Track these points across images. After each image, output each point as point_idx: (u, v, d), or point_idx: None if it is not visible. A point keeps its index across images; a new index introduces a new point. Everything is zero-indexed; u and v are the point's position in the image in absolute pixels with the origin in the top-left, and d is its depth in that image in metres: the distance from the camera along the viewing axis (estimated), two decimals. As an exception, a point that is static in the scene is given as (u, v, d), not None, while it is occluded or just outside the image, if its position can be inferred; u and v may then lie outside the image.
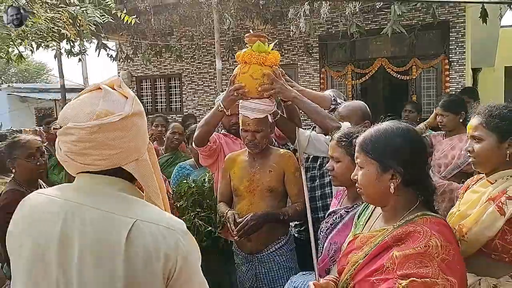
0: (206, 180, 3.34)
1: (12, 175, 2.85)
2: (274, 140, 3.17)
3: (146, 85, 10.07)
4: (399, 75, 7.39)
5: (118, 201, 1.15)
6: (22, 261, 1.15)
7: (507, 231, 1.72)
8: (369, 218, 1.68)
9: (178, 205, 3.08)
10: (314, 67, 8.22)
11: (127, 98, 1.19)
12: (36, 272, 1.12)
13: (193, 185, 3.19)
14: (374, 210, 1.67)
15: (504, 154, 1.83)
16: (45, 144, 5.47)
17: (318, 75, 8.17)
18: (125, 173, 1.18)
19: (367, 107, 2.88)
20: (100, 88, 1.18)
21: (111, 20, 4.53)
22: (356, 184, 1.55)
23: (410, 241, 1.34)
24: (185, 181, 3.33)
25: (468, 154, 1.96)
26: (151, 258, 1.08)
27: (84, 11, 3.88)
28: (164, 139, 4.78)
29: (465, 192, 2.06)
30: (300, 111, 2.79)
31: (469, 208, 1.90)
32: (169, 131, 4.65)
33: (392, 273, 1.32)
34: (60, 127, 1.14)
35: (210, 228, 2.92)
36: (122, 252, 1.07)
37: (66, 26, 3.91)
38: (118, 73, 10.11)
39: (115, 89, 1.20)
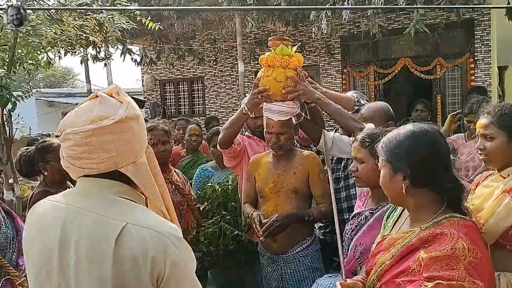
0: (230, 181, 3.38)
1: (38, 179, 2.95)
2: (296, 142, 3.19)
3: (170, 88, 10.20)
4: (422, 75, 7.29)
5: (112, 205, 1.18)
6: (31, 265, 1.21)
7: None
8: (397, 220, 1.68)
9: (201, 208, 3.11)
10: (336, 68, 8.18)
11: (122, 103, 1.21)
12: (42, 275, 1.17)
13: (217, 187, 3.23)
14: (402, 211, 1.68)
15: None
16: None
17: (340, 76, 8.13)
18: (124, 176, 1.20)
19: (390, 108, 2.88)
20: (98, 96, 1.22)
21: (136, 26, 4.63)
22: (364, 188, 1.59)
23: (437, 243, 1.33)
24: (209, 183, 3.36)
25: (479, 152, 2.01)
26: (138, 263, 1.10)
27: (111, 19, 3.99)
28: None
29: (476, 187, 2.09)
30: (323, 112, 2.81)
31: (483, 201, 1.94)
32: (186, 134, 4.71)
33: (418, 275, 1.32)
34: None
35: (236, 232, 2.94)
36: (111, 256, 1.09)
37: (93, 33, 4.03)
38: (142, 77, 10.27)
39: (113, 96, 1.23)
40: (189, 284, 1.20)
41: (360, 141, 2.12)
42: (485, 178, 2.09)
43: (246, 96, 2.97)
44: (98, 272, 1.10)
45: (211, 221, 2.99)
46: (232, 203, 3.16)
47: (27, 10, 2.98)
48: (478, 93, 5.23)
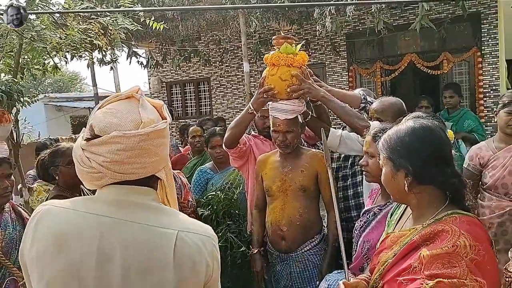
0: (230, 184, 3.36)
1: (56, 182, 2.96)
2: (303, 141, 3.18)
3: (176, 90, 10.24)
4: (429, 70, 7.23)
5: (155, 213, 1.14)
6: (48, 282, 1.08)
7: None
8: (400, 217, 1.67)
9: (203, 215, 3.09)
10: (342, 66, 8.15)
11: (154, 106, 1.19)
12: None
13: (220, 194, 3.20)
14: (406, 209, 1.66)
15: None
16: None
17: (347, 73, 8.10)
18: (150, 182, 1.17)
19: (404, 104, 2.85)
20: (130, 97, 1.18)
21: (140, 28, 4.64)
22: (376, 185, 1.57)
23: (438, 241, 1.31)
24: (210, 187, 3.33)
25: None
26: (196, 268, 1.11)
27: (115, 21, 4.00)
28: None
29: None
30: (330, 110, 2.80)
31: None
32: (189, 136, 4.71)
33: (419, 273, 1.30)
34: (94, 136, 1.11)
35: (243, 249, 2.92)
36: (171, 265, 1.08)
37: (97, 36, 4.05)
38: (149, 79, 10.32)
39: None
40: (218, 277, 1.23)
41: (373, 135, 2.11)
42: None
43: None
44: (157, 282, 1.07)
45: (218, 233, 2.96)
46: (236, 211, 3.15)
47: (30, 15, 2.98)
48: (453, 90, 5.19)
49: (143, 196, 1.15)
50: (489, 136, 6.17)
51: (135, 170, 1.11)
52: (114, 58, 6.14)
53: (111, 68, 8.42)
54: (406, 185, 1.42)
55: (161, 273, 1.08)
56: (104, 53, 5.48)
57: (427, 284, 1.25)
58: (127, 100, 1.17)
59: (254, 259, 2.78)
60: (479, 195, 3.08)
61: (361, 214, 2.28)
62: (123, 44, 5.41)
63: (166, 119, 1.18)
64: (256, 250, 2.77)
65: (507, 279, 1.93)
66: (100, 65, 7.22)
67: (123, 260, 1.07)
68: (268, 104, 2.67)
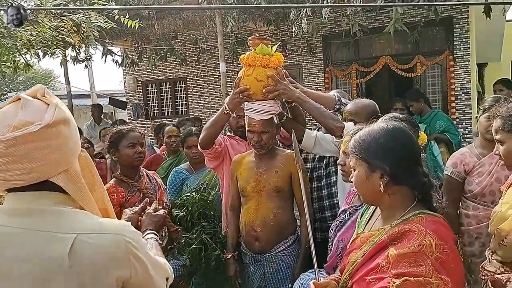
0: (205, 185, 3.34)
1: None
2: (279, 141, 3.19)
3: (152, 89, 10.12)
4: (403, 73, 7.36)
5: (55, 218, 1.08)
6: None
7: None
8: (370, 218, 1.69)
9: (178, 216, 3.07)
10: (319, 67, 8.21)
11: (48, 105, 1.10)
12: None
13: (195, 195, 3.17)
14: (375, 209, 1.68)
15: None
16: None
17: (323, 75, 8.16)
18: (54, 186, 1.10)
19: (377, 106, 2.88)
20: (20, 98, 1.10)
21: (115, 26, 4.57)
22: (353, 185, 1.57)
23: (406, 240, 1.34)
24: (185, 188, 3.29)
25: (499, 158, 1.98)
26: (100, 269, 1.06)
27: (88, 19, 3.93)
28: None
29: (507, 189, 2.04)
30: (305, 111, 2.81)
31: (509, 209, 1.89)
32: (165, 136, 4.67)
33: (387, 272, 1.32)
34: None
35: (218, 252, 2.89)
36: (68, 271, 1.03)
37: (70, 34, 3.96)
38: (124, 78, 10.18)
39: (38, 98, 1.12)
40: (150, 262, 1.19)
41: (351, 136, 2.13)
42: None
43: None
44: None
45: (193, 234, 2.94)
46: (211, 212, 3.13)
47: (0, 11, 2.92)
48: (409, 99, 5.37)
49: (40, 201, 1.09)
50: (465, 137, 6.32)
51: (17, 177, 1.04)
52: (88, 56, 6.03)
53: (86, 66, 8.28)
54: (382, 185, 1.43)
55: (59, 281, 1.03)
56: (78, 51, 5.38)
57: (394, 283, 1.28)
58: (16, 102, 1.10)
59: (228, 263, 2.77)
60: (460, 203, 2.87)
61: (338, 214, 2.30)
62: (97, 42, 5.32)
63: (51, 121, 1.07)
64: (230, 255, 2.77)
65: (483, 277, 1.98)
66: (74, 63, 7.08)
67: (20, 274, 1.03)
68: (244, 105, 2.67)
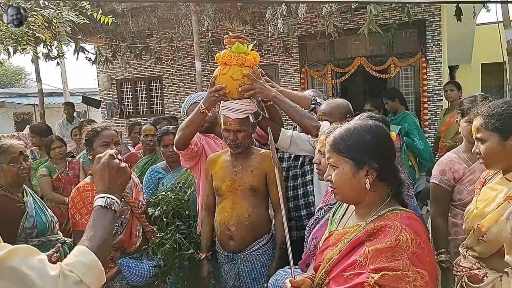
0: (183, 188, 3.31)
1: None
2: (255, 140, 3.18)
3: (127, 88, 9.98)
4: (378, 74, 7.47)
5: None
6: None
7: None
8: (343, 215, 1.70)
9: (153, 215, 3.02)
10: (295, 67, 8.25)
11: None
12: None
13: (171, 195, 3.13)
14: (348, 207, 1.70)
15: (510, 151, 1.85)
16: (32, 148, 5.43)
17: (299, 75, 8.21)
18: None
19: (350, 104, 2.91)
20: None
21: (87, 22, 4.48)
22: (330, 184, 1.56)
23: (382, 236, 1.37)
24: (163, 192, 3.27)
25: (477, 156, 1.98)
26: None
27: (59, 14, 3.83)
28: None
29: (481, 187, 2.06)
30: (281, 111, 2.82)
31: (486, 206, 1.91)
32: (141, 135, 4.62)
33: (365, 268, 1.35)
34: None
35: (192, 251, 2.84)
36: None
37: (41, 29, 3.85)
38: (98, 76, 10.00)
39: None
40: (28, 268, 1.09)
41: (327, 135, 2.14)
42: (493, 176, 2.05)
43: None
44: None
45: (167, 234, 2.89)
46: (186, 212, 3.10)
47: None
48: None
49: None
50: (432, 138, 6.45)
51: None
52: (61, 53, 5.88)
53: (58, 64, 8.09)
54: (368, 182, 1.45)
55: None
56: (49, 48, 5.25)
57: (372, 277, 1.30)
58: None
59: (201, 264, 2.75)
60: (449, 212, 2.64)
61: (315, 212, 2.32)
62: (69, 39, 5.20)
63: None
64: (204, 256, 2.75)
65: (458, 273, 2.02)
66: (45, 60, 6.90)
67: None
68: (220, 103, 2.65)
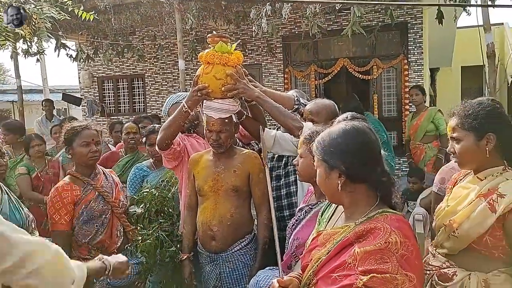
0: (167, 186, 3.28)
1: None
2: (238, 140, 3.17)
3: (108, 85, 9.86)
4: (360, 75, 7.54)
5: None
6: None
7: (497, 228, 1.79)
8: (332, 215, 1.71)
9: (137, 213, 2.99)
10: (278, 67, 8.27)
11: None
12: None
13: (155, 192, 3.11)
14: (337, 207, 1.70)
15: (484, 151, 1.89)
16: (4, 146, 5.30)
17: (282, 75, 8.23)
18: None
19: (336, 106, 2.92)
20: None
21: (68, 18, 4.40)
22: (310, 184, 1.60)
23: (371, 238, 1.37)
24: (147, 189, 3.24)
25: (452, 155, 2.01)
26: None
27: (40, 9, 3.75)
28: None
29: (453, 187, 2.09)
30: (264, 111, 2.81)
31: (458, 204, 1.94)
32: (123, 133, 4.56)
33: (353, 269, 1.35)
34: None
35: (174, 249, 2.82)
36: None
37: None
38: (79, 73, 9.85)
39: None
40: None
41: (305, 137, 2.15)
42: (464, 177, 2.08)
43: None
44: None
45: (149, 230, 2.87)
46: (170, 210, 3.07)
47: None
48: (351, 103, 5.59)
49: None
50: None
51: None
52: (41, 49, 5.77)
53: (38, 60, 7.94)
54: (339, 184, 1.47)
55: None
56: (29, 44, 5.14)
57: (361, 280, 1.31)
58: None
59: (183, 265, 2.73)
60: None
61: (296, 212, 2.32)
62: (50, 35, 5.10)
63: None
64: (186, 256, 2.73)
65: (428, 272, 2.05)
66: (25, 56, 6.76)
67: None
68: (203, 103, 2.63)
